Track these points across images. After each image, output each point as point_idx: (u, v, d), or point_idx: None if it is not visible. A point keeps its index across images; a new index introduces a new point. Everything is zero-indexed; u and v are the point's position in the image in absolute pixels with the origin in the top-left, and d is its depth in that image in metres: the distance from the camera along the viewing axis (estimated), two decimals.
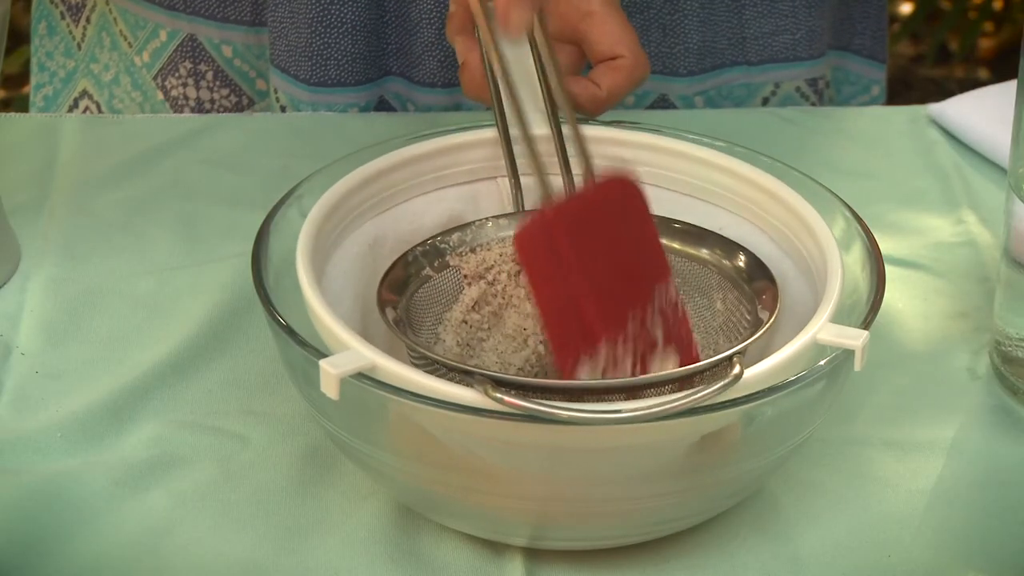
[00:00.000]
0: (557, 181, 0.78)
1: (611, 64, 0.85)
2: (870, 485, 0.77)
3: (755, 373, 0.67)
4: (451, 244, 0.77)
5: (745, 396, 0.66)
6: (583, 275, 0.69)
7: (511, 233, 0.77)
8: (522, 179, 0.79)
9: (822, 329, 0.69)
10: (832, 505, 0.76)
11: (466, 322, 0.75)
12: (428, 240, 0.77)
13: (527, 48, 0.79)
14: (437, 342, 0.74)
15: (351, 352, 0.67)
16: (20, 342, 0.83)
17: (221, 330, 0.84)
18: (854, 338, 0.68)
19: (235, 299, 0.86)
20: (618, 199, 0.71)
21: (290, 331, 0.69)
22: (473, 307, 0.75)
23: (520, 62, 0.79)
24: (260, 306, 0.71)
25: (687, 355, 0.71)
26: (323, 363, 0.66)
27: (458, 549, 0.73)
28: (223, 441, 0.78)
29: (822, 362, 0.68)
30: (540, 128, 0.79)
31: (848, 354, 0.69)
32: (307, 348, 0.68)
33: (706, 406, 0.65)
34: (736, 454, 0.69)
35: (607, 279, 0.69)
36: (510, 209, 0.80)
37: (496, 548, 0.73)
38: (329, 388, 0.66)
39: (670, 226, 0.78)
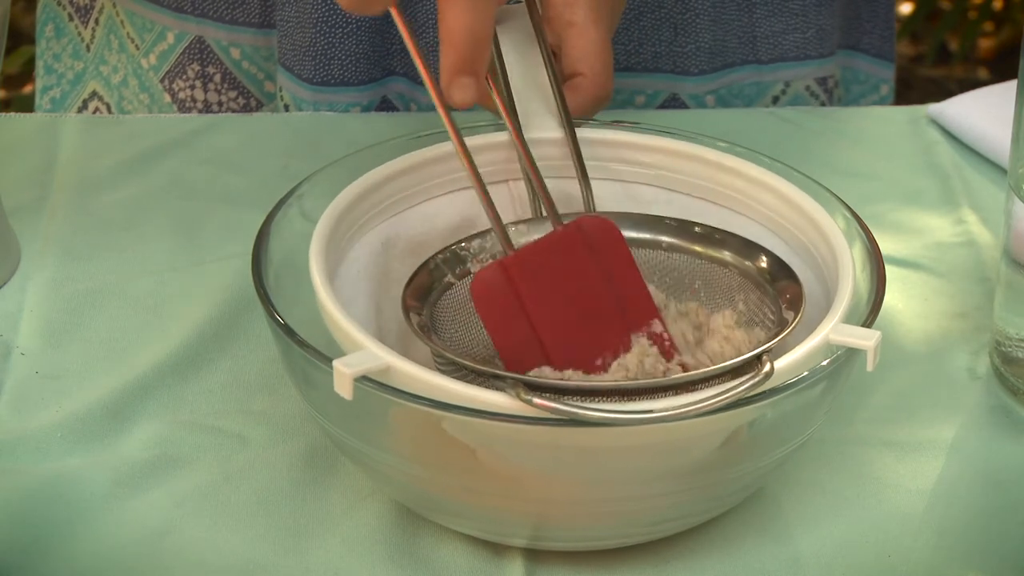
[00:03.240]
0: (573, 187, 0.78)
1: (570, 84, 0.85)
2: (870, 485, 0.77)
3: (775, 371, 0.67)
4: (472, 251, 0.77)
5: (749, 396, 0.66)
6: (541, 319, 0.71)
7: (531, 238, 0.76)
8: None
9: (834, 330, 0.69)
10: (832, 505, 0.76)
11: None
12: (449, 247, 0.77)
13: (537, 52, 0.80)
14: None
15: (364, 352, 0.67)
16: (20, 342, 0.83)
17: (221, 330, 0.84)
18: (866, 338, 0.68)
19: (235, 299, 0.86)
20: (588, 241, 0.73)
21: (290, 331, 0.69)
22: None
23: (529, 68, 0.79)
24: (260, 306, 0.71)
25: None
26: (337, 363, 0.66)
27: (458, 549, 0.73)
28: (223, 441, 0.78)
29: (824, 362, 0.68)
30: (554, 132, 0.79)
31: (850, 354, 0.69)
32: (308, 349, 0.68)
33: (733, 403, 0.65)
34: (737, 454, 0.69)
35: (569, 320, 0.71)
36: (525, 213, 0.79)
37: (496, 549, 0.73)
38: (343, 388, 0.65)
39: (691, 229, 0.78)
